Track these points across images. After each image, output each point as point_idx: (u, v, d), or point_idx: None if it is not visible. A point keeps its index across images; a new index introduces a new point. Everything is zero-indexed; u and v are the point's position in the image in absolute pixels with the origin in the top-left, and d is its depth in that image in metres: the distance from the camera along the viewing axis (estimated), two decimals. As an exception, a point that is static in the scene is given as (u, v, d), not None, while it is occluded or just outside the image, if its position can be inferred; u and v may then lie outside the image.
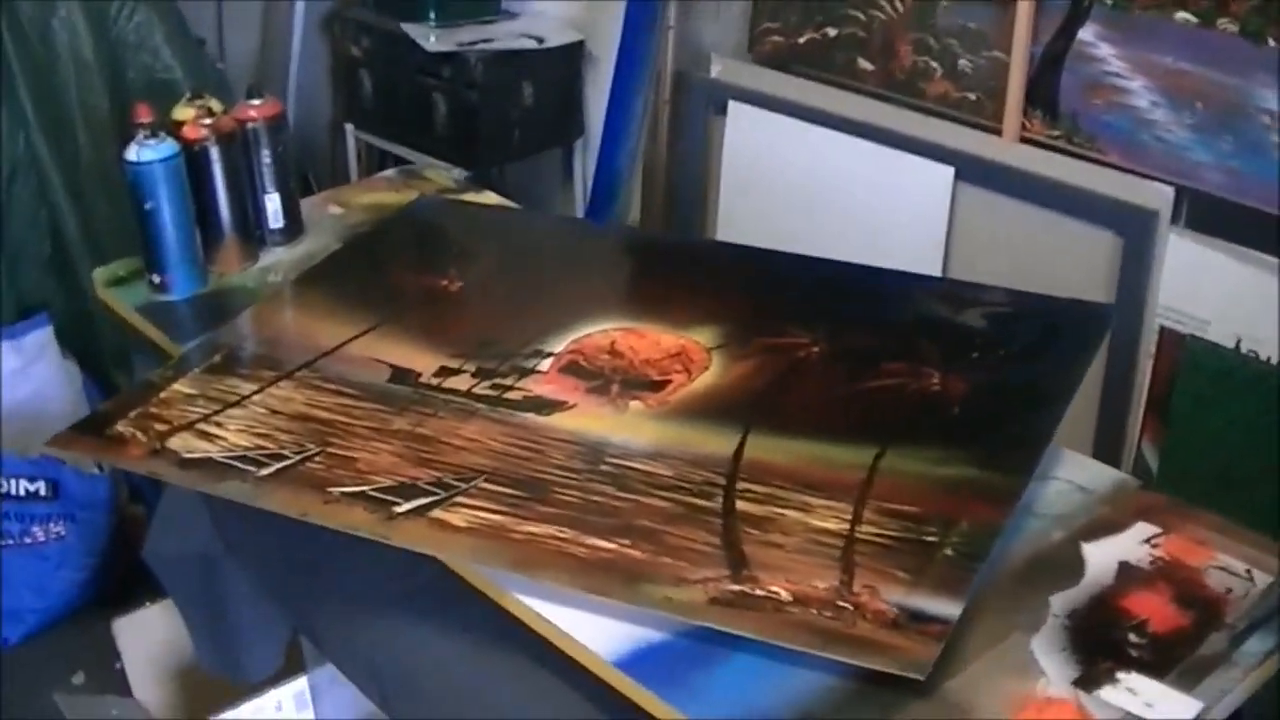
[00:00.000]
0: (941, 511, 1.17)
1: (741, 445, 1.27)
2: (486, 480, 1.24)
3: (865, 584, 1.09)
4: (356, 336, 1.49)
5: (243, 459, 1.29)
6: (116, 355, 2.49)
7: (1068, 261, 2.06)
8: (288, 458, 1.28)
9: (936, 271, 2.22)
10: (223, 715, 1.69)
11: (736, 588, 1.10)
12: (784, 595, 1.09)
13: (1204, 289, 1.93)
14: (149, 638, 1.89)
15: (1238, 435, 1.89)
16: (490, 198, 1.88)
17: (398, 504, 1.21)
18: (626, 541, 1.15)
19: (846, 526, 1.16)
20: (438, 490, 1.23)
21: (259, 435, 1.32)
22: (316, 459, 1.28)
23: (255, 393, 1.39)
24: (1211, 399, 1.91)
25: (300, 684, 1.73)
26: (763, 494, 1.20)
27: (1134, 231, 1.98)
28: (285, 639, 1.59)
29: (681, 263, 1.66)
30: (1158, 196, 1.95)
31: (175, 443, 1.31)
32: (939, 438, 1.27)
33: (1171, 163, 1.94)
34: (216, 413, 1.36)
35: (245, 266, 1.69)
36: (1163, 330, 1.98)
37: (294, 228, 1.74)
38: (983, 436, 1.27)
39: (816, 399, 1.35)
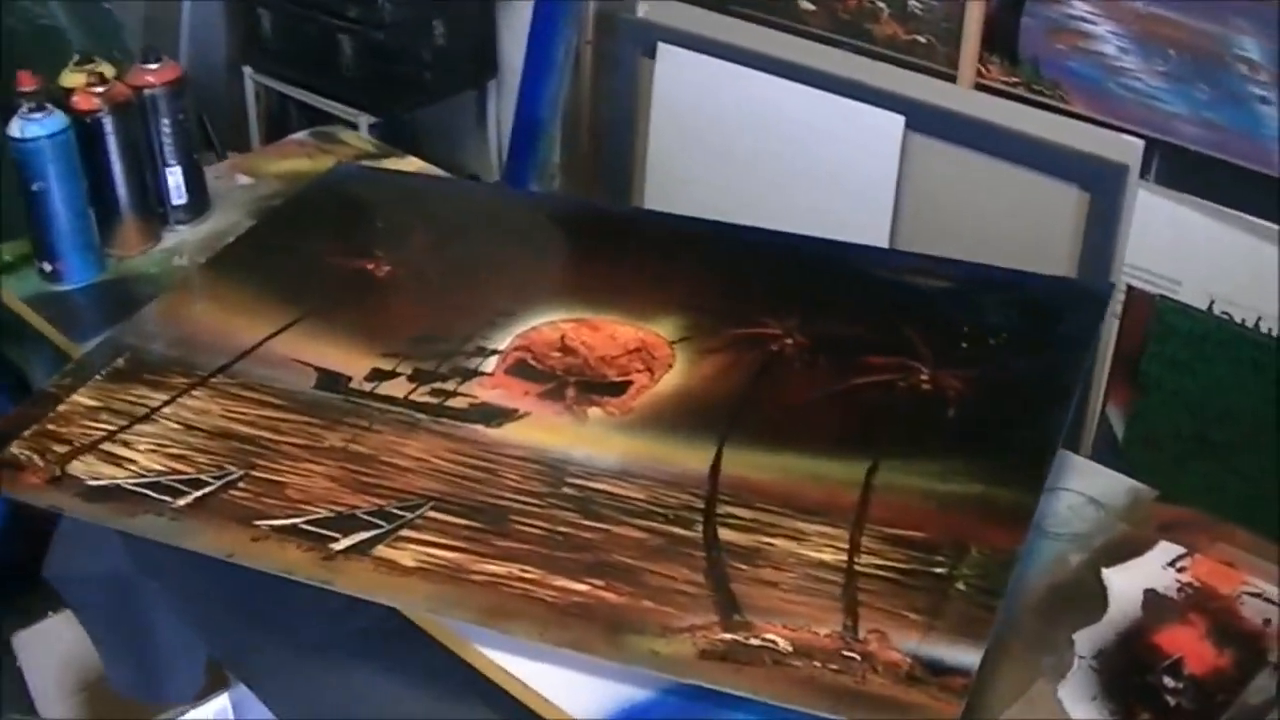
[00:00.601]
0: (948, 536, 1.05)
1: (718, 460, 1.14)
2: (435, 508, 1.10)
3: (873, 628, 0.97)
4: (276, 333, 1.33)
5: (156, 486, 1.13)
6: (7, 328, 2.29)
7: (1029, 218, 1.95)
8: (208, 484, 1.14)
9: (885, 230, 2.09)
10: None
11: (729, 636, 0.97)
12: (782, 644, 0.97)
13: (1175, 248, 1.83)
14: (53, 650, 1.73)
15: (1212, 401, 1.80)
16: (413, 164, 1.72)
17: (335, 539, 1.07)
18: (600, 582, 1.02)
19: (844, 558, 1.04)
20: (380, 522, 1.09)
21: (173, 456, 1.17)
22: (240, 484, 1.13)
23: (166, 404, 1.23)
24: (1184, 363, 1.82)
25: (222, 701, 1.59)
26: (748, 520, 1.08)
27: (1100, 186, 1.88)
28: (207, 657, 1.44)
29: (632, 239, 1.51)
30: (1126, 149, 1.84)
31: (78, 467, 1.16)
32: (936, 447, 1.15)
33: (1141, 113, 1.83)
34: (123, 429, 1.20)
35: (146, 249, 1.52)
36: (1131, 290, 1.88)
37: (199, 203, 1.57)
38: (984, 444, 1.15)
39: (796, 402, 1.22)
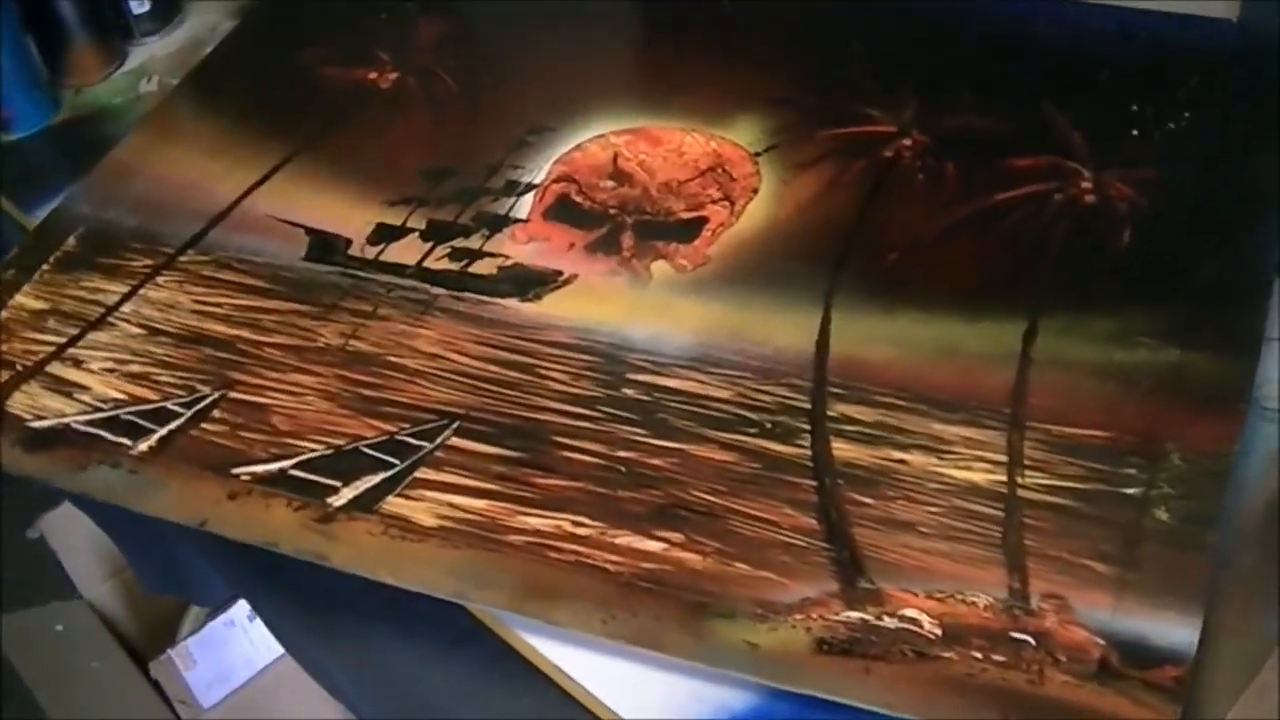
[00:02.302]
0: (1138, 435, 0.78)
1: (825, 333, 0.86)
2: (459, 432, 0.85)
3: (1048, 591, 0.71)
4: (259, 183, 1.06)
5: (112, 424, 0.89)
6: None
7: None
8: (175, 414, 0.89)
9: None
10: (187, 640, 1.37)
11: (855, 616, 0.72)
12: (927, 625, 0.71)
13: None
14: (81, 532, 1.54)
15: None
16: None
17: (334, 489, 0.83)
18: (678, 536, 0.77)
19: (1003, 478, 0.77)
20: (389, 458, 0.84)
21: (133, 376, 0.92)
22: (215, 412, 0.89)
23: (125, 298, 0.98)
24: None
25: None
26: (869, 424, 0.81)
27: None
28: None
29: (699, 12, 1.17)
30: None
31: (19, 401, 0.92)
32: (1110, 292, 0.86)
33: None
34: (74, 341, 0.96)
35: (108, 73, 1.24)
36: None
37: (167, 7, 1.28)
38: (1174, 284, 0.86)
39: (921, 233, 0.93)
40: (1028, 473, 0.77)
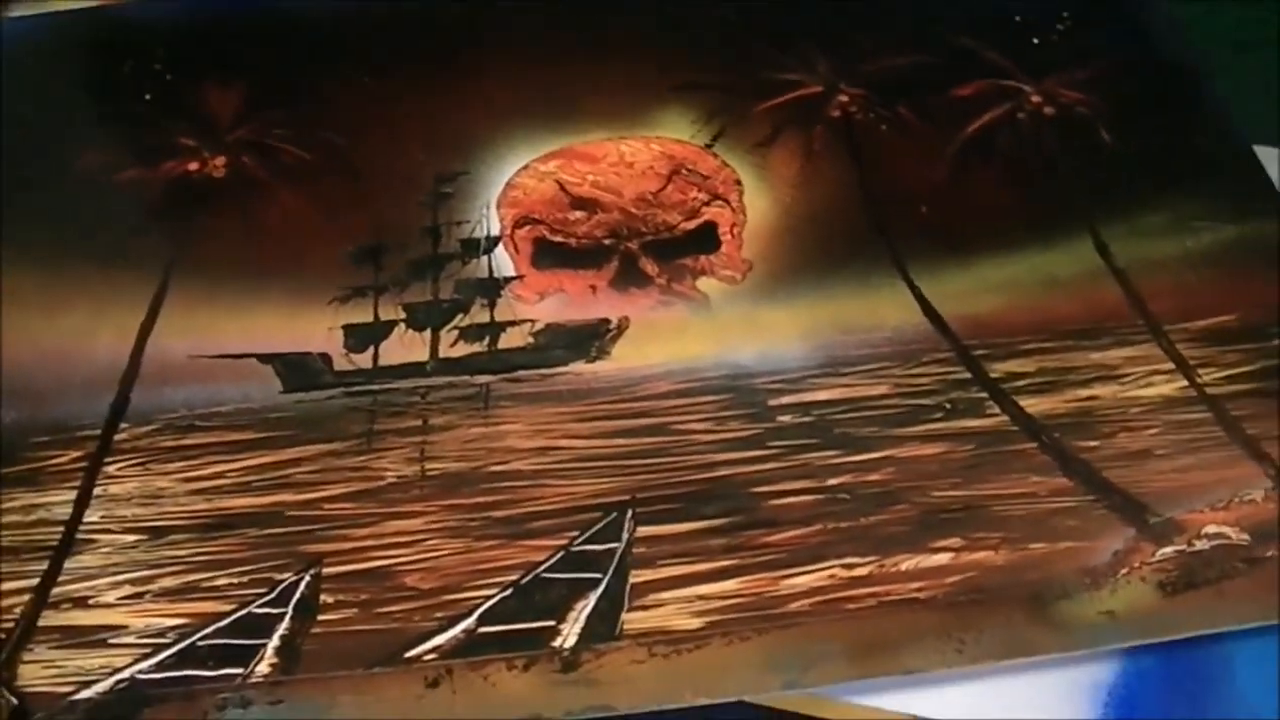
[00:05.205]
0: (1260, 307, 0.83)
1: (924, 300, 0.84)
2: (639, 520, 0.75)
3: (1303, 465, 0.75)
4: (149, 324, 0.86)
5: (192, 657, 0.71)
6: None
7: None
8: (272, 617, 0.72)
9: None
10: None
11: (1170, 550, 0.72)
12: (1234, 535, 0.73)
13: None
14: None
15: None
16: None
17: (552, 630, 0.70)
18: (957, 540, 0.73)
19: (1184, 382, 0.79)
20: (587, 574, 0.73)
21: (174, 594, 0.73)
22: (322, 599, 0.73)
23: (83, 506, 0.77)
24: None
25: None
26: (1036, 374, 0.80)
27: None
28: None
29: (535, 12, 1.04)
30: None
31: (33, 675, 0.71)
32: (1134, 189, 0.90)
33: None
34: (51, 577, 0.74)
35: None
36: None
37: None
38: (1175, 169, 0.91)
39: (932, 181, 0.92)
40: (1200, 371, 0.79)
